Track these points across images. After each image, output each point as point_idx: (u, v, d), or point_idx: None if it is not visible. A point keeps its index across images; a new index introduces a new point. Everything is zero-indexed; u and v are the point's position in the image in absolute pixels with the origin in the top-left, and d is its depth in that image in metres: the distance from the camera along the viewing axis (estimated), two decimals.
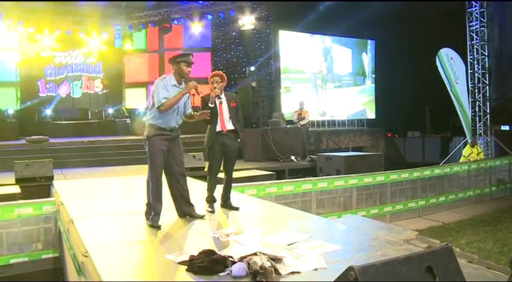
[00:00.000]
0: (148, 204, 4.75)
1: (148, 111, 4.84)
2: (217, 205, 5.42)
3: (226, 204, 5.47)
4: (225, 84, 5.36)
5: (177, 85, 4.77)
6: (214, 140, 5.26)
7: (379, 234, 4.30)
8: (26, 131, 14.24)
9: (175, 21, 17.75)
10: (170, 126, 4.79)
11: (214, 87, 5.24)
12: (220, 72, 5.40)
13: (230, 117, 5.33)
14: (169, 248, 3.92)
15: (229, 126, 5.32)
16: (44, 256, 6.62)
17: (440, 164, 13.02)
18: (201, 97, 5.10)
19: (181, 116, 4.92)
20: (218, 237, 4.20)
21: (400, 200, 9.96)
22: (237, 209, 5.41)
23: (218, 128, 5.26)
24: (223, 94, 5.35)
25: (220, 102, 5.28)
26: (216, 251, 3.55)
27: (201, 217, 4.97)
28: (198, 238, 4.27)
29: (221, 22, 18.60)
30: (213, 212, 5.29)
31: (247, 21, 17.21)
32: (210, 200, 5.38)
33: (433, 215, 10.22)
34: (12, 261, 6.45)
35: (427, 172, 10.52)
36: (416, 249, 3.85)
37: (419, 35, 18.66)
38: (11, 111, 15.46)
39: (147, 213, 4.74)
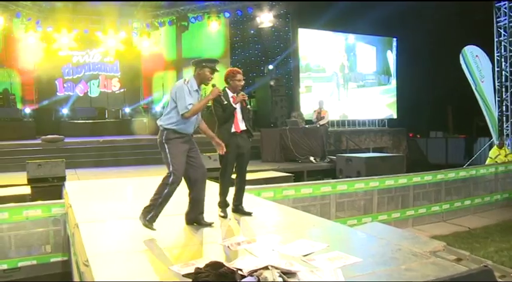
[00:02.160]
0: (153, 201, 4.47)
1: (167, 115, 4.55)
2: (229, 210, 5.13)
3: (238, 209, 5.17)
4: None
5: (198, 90, 4.58)
6: (229, 141, 4.97)
7: (403, 244, 3.96)
8: (43, 131, 14.18)
9: (193, 20, 17.55)
10: (190, 132, 4.61)
11: (241, 85, 5.06)
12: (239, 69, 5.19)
13: (243, 117, 5.11)
14: (174, 258, 3.65)
15: (243, 126, 5.09)
16: (52, 259, 6.45)
17: (465, 166, 12.54)
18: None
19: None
20: (228, 246, 3.91)
21: (423, 203, 9.55)
22: (249, 214, 5.10)
23: (233, 129, 5.01)
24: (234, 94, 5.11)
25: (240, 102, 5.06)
26: (225, 262, 3.27)
27: (209, 225, 4.67)
28: (206, 247, 3.99)
29: (239, 20, 18.33)
30: (225, 217, 5.00)
31: (266, 18, 16.94)
32: (223, 204, 5.09)
33: (458, 220, 9.78)
34: (20, 264, 6.30)
35: (451, 174, 10.06)
36: (445, 263, 3.50)
37: (443, 32, 18.13)
38: (28, 111, 15.41)
39: (147, 212, 4.42)
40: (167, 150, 4.47)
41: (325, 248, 3.78)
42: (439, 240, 8.15)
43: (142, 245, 4.06)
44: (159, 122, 4.59)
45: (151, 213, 4.40)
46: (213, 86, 4.67)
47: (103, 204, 6.05)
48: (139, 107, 18.17)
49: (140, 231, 4.41)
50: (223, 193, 5.09)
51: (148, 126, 16.72)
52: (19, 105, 15.80)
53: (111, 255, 3.74)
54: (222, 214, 5.04)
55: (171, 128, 4.48)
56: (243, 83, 5.08)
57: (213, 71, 4.58)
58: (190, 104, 4.41)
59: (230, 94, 5.01)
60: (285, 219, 5.08)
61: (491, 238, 8.19)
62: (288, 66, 18.15)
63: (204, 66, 4.54)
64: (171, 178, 4.43)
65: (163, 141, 4.49)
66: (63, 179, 8.66)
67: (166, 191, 4.43)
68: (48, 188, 8.35)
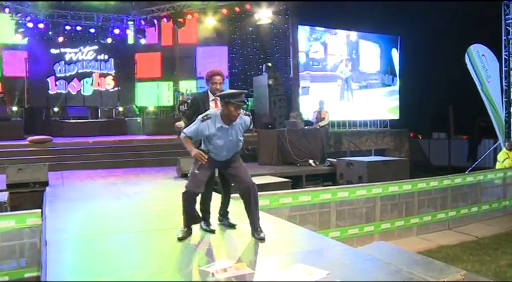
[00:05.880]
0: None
1: None
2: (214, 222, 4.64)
3: (223, 219, 4.74)
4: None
5: (224, 125, 4.18)
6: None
7: (415, 271, 3.43)
8: (33, 130, 13.69)
9: (189, 16, 17.00)
10: (217, 159, 4.33)
11: (216, 88, 4.62)
12: (221, 70, 4.76)
13: None
14: None
15: None
16: (26, 275, 5.89)
17: (470, 169, 12.02)
18: (193, 96, 4.44)
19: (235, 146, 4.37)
20: (213, 273, 3.37)
21: (429, 210, 9.02)
22: (233, 226, 4.67)
23: None
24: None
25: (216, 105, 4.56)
26: None
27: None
28: (186, 273, 3.44)
29: (237, 16, 17.75)
30: (211, 231, 4.49)
31: (264, 15, 16.38)
32: (206, 215, 4.62)
33: (465, 228, 9.26)
34: None
35: (458, 180, 9.52)
36: None
37: (448, 30, 17.62)
38: (16, 109, 14.78)
39: None
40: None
41: (325, 275, 3.27)
42: (445, 250, 7.75)
43: (112, 270, 3.50)
44: None
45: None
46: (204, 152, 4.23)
47: (83, 215, 5.53)
48: (134, 106, 17.66)
49: (115, 252, 3.90)
50: (203, 202, 4.65)
51: (142, 126, 16.26)
52: (8, 104, 15.22)
53: None
54: (208, 228, 4.54)
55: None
56: (220, 86, 4.68)
57: (238, 106, 4.13)
58: (190, 133, 4.19)
59: (211, 97, 4.58)
60: (280, 237, 4.52)
61: (502, 249, 7.69)
62: (287, 64, 17.57)
63: (227, 103, 4.09)
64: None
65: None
66: (45, 184, 8.12)
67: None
68: (28, 194, 7.80)
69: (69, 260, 3.74)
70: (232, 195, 4.87)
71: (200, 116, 4.17)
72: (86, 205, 6.31)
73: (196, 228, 4.45)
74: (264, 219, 5.30)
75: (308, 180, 10.91)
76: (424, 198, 8.95)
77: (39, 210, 6.13)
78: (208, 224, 4.59)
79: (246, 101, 4.22)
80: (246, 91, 4.38)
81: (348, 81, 18.28)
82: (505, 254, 7.43)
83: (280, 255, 3.84)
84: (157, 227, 4.40)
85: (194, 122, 4.18)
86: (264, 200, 7.06)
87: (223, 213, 4.80)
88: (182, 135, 4.21)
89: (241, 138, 4.40)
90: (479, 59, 14.58)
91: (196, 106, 4.72)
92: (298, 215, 7.34)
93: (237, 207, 4.79)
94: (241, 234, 4.44)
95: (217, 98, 4.61)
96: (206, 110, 4.47)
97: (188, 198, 4.24)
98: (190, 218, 4.31)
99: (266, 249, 4.06)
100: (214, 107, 4.61)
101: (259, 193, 7.25)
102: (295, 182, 10.12)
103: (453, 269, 3.47)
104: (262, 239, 4.24)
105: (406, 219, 8.62)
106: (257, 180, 8.81)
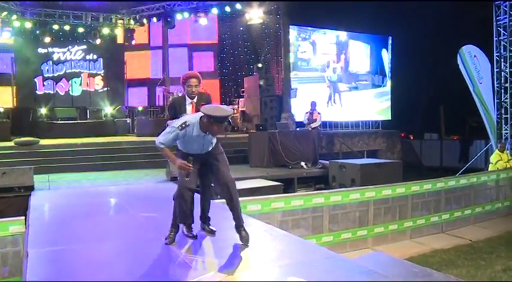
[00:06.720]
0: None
1: None
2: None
3: (204, 225, 4.61)
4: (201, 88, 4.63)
5: (201, 133, 4.13)
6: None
7: None
8: (20, 132, 13.40)
9: (179, 16, 16.81)
10: (193, 152, 4.27)
11: (192, 91, 4.48)
12: (197, 73, 4.63)
13: None
14: None
15: None
16: None
17: (462, 170, 11.93)
18: (171, 101, 4.35)
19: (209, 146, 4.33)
20: None
21: (422, 214, 8.91)
22: (213, 232, 4.55)
23: None
24: (195, 98, 4.58)
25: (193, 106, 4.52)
26: None
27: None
28: None
29: (228, 16, 17.57)
30: (194, 237, 4.33)
31: (255, 15, 16.22)
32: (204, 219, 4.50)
33: (458, 231, 9.17)
34: None
35: (452, 182, 9.44)
36: None
37: (440, 31, 17.60)
38: (1, 109, 14.46)
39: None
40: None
41: None
42: (440, 255, 7.64)
43: None
44: None
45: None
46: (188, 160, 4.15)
47: (68, 222, 5.33)
48: (124, 107, 17.45)
49: (99, 264, 3.73)
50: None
51: (131, 127, 16.04)
52: None
53: None
54: (190, 234, 4.39)
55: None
56: (196, 89, 4.53)
57: (222, 127, 4.14)
58: (165, 141, 4.09)
59: (188, 101, 4.44)
60: (273, 246, 4.36)
61: (496, 253, 7.59)
62: (278, 65, 17.40)
63: (212, 123, 4.00)
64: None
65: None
66: (31, 188, 7.90)
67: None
68: (12, 199, 7.58)
69: (50, 274, 3.55)
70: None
71: (177, 124, 4.04)
72: (72, 211, 6.11)
73: (183, 238, 4.29)
74: (256, 226, 5.16)
75: (300, 183, 10.75)
76: (418, 201, 8.85)
77: (23, 217, 5.92)
78: (189, 229, 4.43)
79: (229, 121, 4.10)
80: (232, 111, 4.29)
81: (336, 84, 18.07)
82: (499, 258, 7.34)
83: (273, 267, 3.69)
84: (144, 235, 4.23)
85: (169, 131, 4.07)
86: (255, 204, 6.93)
87: (204, 219, 4.64)
88: (160, 146, 4.10)
89: (214, 140, 4.34)
90: (471, 60, 14.52)
91: (174, 109, 4.61)
92: (290, 219, 7.21)
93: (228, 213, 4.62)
94: (231, 244, 4.26)
95: (194, 102, 4.54)
96: (182, 114, 4.40)
97: (181, 196, 4.17)
98: (181, 216, 4.25)
99: (258, 260, 3.89)
100: (191, 111, 4.48)
101: (250, 198, 7.21)
102: (287, 185, 9.98)
103: (454, 279, 3.33)
104: (247, 241, 4.20)
105: (400, 223, 8.51)
106: (248, 184, 8.78)
